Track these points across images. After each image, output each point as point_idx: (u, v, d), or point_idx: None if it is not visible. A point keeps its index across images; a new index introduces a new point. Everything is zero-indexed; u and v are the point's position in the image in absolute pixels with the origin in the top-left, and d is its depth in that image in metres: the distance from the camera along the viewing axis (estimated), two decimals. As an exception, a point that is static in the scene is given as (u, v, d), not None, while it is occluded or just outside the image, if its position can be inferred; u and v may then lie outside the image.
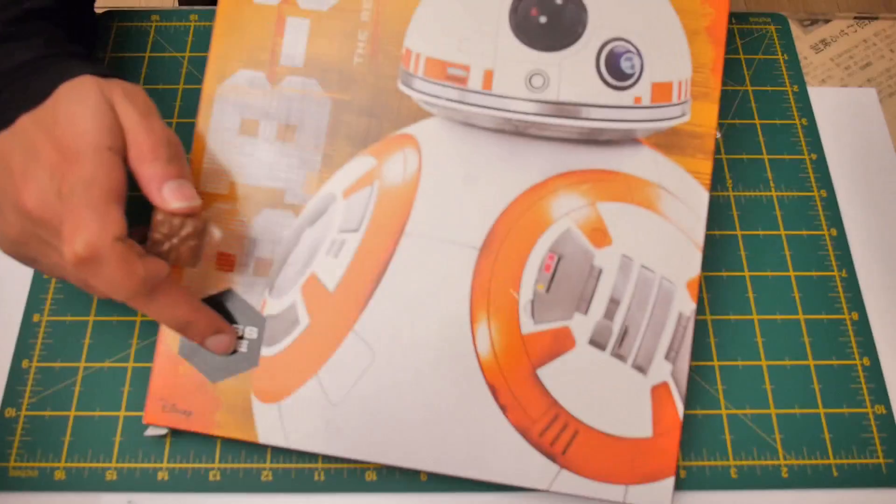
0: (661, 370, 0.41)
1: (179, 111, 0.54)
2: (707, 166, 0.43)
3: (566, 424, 0.41)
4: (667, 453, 0.41)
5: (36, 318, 0.47)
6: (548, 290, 0.42)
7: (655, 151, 0.43)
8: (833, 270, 0.49)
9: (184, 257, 0.38)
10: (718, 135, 0.50)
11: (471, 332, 0.41)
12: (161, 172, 0.37)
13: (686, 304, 0.42)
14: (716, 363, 0.46)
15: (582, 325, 0.41)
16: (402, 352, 0.41)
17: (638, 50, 0.43)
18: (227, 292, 0.43)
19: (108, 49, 0.55)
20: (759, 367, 0.46)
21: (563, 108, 0.43)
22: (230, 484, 0.43)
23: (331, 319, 0.42)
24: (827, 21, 0.57)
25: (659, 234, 0.42)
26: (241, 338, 0.42)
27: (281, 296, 0.42)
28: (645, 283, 0.42)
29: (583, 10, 0.43)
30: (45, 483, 0.42)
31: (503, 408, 0.41)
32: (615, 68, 0.43)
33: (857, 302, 0.48)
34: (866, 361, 0.47)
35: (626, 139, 0.43)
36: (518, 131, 0.43)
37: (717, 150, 0.51)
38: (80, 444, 0.44)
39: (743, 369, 0.46)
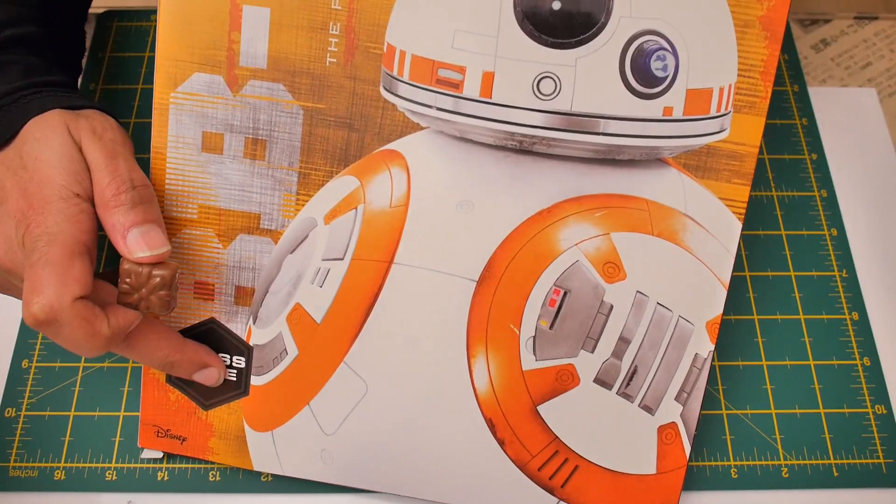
0: (669, 411, 0.39)
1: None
2: (744, 194, 0.37)
3: (566, 459, 0.40)
4: (670, 490, 0.40)
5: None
6: (551, 326, 0.38)
7: (684, 174, 0.37)
8: (833, 270, 0.49)
9: (154, 307, 0.35)
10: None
11: (467, 367, 0.39)
12: (123, 220, 0.34)
13: (704, 346, 0.38)
14: (716, 363, 0.46)
15: (587, 364, 0.38)
16: (396, 384, 0.40)
17: (673, 47, 0.35)
18: (210, 321, 0.40)
19: (108, 49, 0.54)
20: (760, 367, 0.46)
21: (576, 121, 0.36)
22: (230, 484, 0.43)
23: (320, 351, 0.39)
24: (827, 21, 0.57)
25: (681, 270, 0.37)
26: (229, 367, 0.41)
27: (266, 326, 0.40)
28: (660, 322, 0.38)
29: (607, -8, 0.34)
30: (44, 483, 0.43)
31: (501, 442, 0.40)
32: (643, 70, 0.35)
33: (857, 302, 0.48)
34: (866, 361, 0.46)
35: (650, 159, 0.37)
36: (522, 148, 0.37)
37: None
38: (79, 444, 0.44)
39: (743, 369, 0.46)
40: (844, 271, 0.49)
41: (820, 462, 0.44)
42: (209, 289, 0.40)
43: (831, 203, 0.51)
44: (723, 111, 0.36)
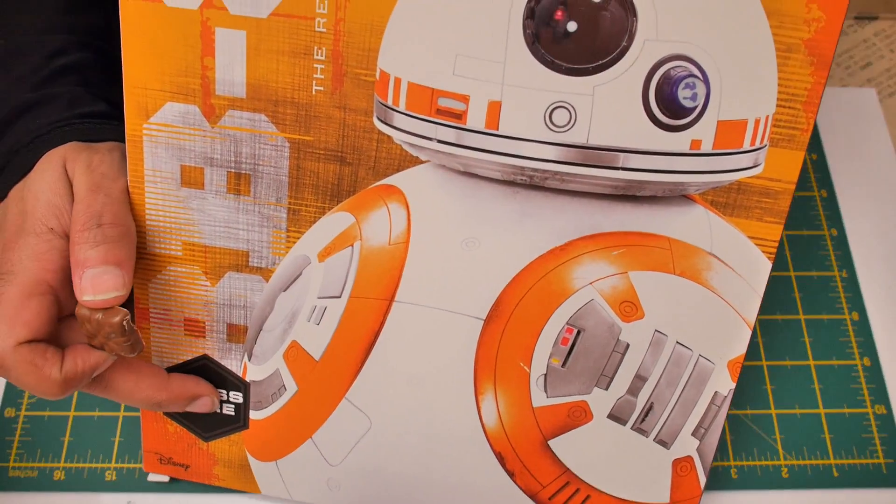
0: (686, 445, 0.37)
1: None
2: (776, 233, 0.33)
3: (578, 489, 0.39)
4: (683, 519, 0.39)
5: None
6: (564, 364, 0.36)
7: (710, 212, 0.33)
8: (833, 270, 0.49)
9: (118, 351, 0.33)
10: None
11: (475, 403, 0.37)
12: (81, 258, 0.32)
13: (724, 384, 0.36)
14: (716, 363, 0.45)
15: (601, 400, 0.37)
16: (401, 418, 0.38)
17: (704, 73, 0.31)
18: (203, 358, 0.38)
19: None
20: (760, 368, 0.46)
21: (593, 155, 0.32)
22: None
23: (320, 387, 0.38)
24: (827, 21, 0.55)
25: (703, 309, 0.35)
26: (226, 401, 0.39)
27: (262, 363, 0.38)
28: (679, 361, 0.36)
29: (630, 12, 0.30)
30: (44, 483, 0.43)
31: (511, 473, 0.39)
32: (670, 99, 0.31)
33: (857, 302, 0.48)
34: (866, 361, 0.46)
35: (674, 195, 0.33)
36: (533, 183, 0.33)
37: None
38: (79, 444, 0.44)
39: (743, 370, 0.44)
40: (844, 271, 0.49)
41: (820, 462, 0.44)
42: (199, 326, 0.37)
43: (831, 203, 0.51)
44: (758, 145, 0.32)
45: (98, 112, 0.38)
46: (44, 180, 0.33)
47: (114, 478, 0.43)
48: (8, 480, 0.43)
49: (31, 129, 0.37)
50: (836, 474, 0.44)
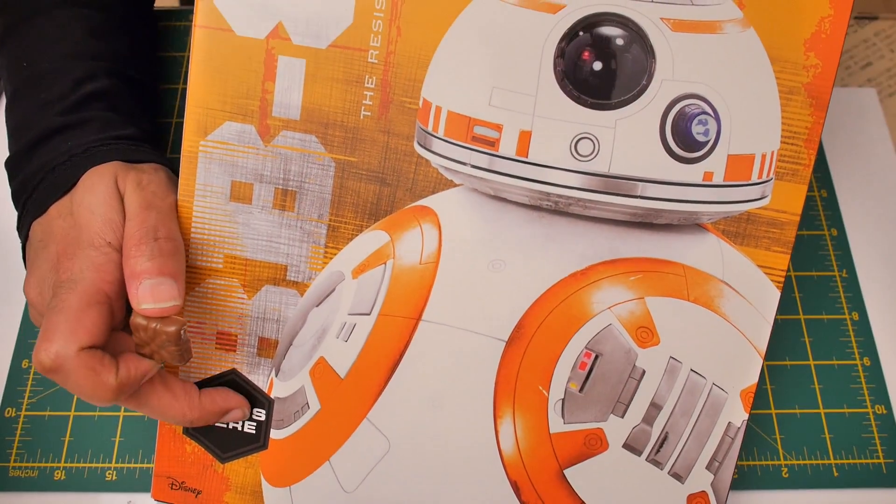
0: (700, 479, 0.38)
1: (179, 111, 0.52)
2: (783, 262, 0.36)
3: (592, 524, 0.39)
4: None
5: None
6: (581, 389, 0.37)
7: (722, 241, 0.36)
8: (833, 270, 0.49)
9: (168, 360, 0.35)
10: None
11: (493, 428, 0.38)
12: (138, 269, 0.33)
13: (737, 415, 0.37)
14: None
15: (617, 428, 0.37)
16: (420, 442, 0.39)
17: (715, 111, 0.34)
18: (231, 373, 0.39)
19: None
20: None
21: (614, 183, 0.35)
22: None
23: (343, 406, 0.38)
24: (827, 21, 0.56)
25: (716, 337, 0.36)
26: (248, 419, 0.40)
27: (288, 379, 0.39)
28: (693, 390, 0.37)
29: (650, 55, 0.34)
30: (44, 483, 0.43)
31: (525, 505, 0.39)
32: (684, 134, 0.34)
33: (857, 302, 0.48)
34: (866, 361, 0.46)
35: (688, 223, 0.36)
36: (558, 209, 0.36)
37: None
38: (79, 444, 0.44)
39: None
40: (844, 271, 0.49)
41: (820, 462, 0.44)
42: (232, 339, 0.39)
43: (831, 203, 0.50)
44: (764, 178, 0.35)
45: (131, 135, 0.40)
46: (96, 196, 0.35)
47: (114, 478, 0.43)
48: (8, 480, 0.43)
49: (63, 150, 0.38)
50: (836, 474, 0.44)
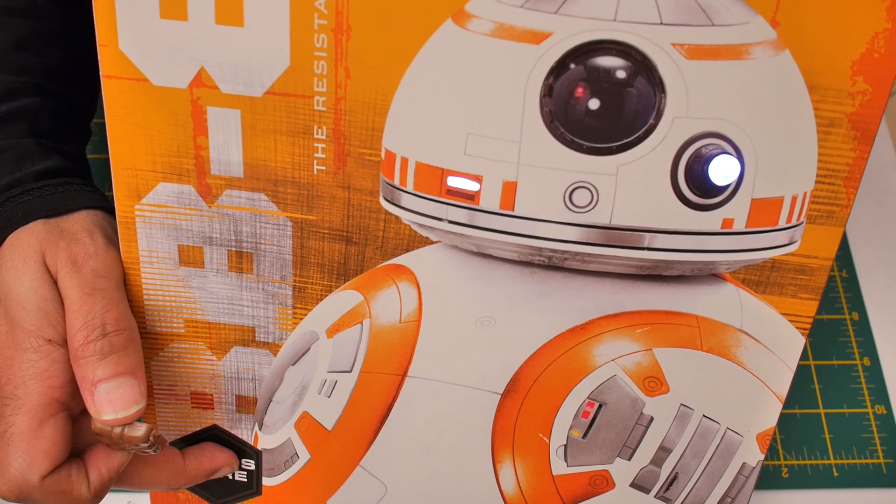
0: (712, 514, 0.36)
1: None
2: (811, 309, 0.31)
3: (600, 553, 0.38)
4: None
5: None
6: (584, 436, 0.35)
7: (741, 289, 0.31)
8: (833, 271, 0.48)
9: (139, 452, 0.32)
10: None
11: (493, 471, 0.36)
12: (91, 374, 0.30)
13: (753, 456, 0.35)
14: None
15: (624, 470, 0.35)
16: (416, 485, 0.37)
17: (738, 151, 0.28)
18: (213, 428, 0.37)
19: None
20: None
21: (617, 235, 0.30)
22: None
23: (334, 456, 0.37)
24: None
25: (732, 385, 0.33)
26: (238, 468, 0.38)
27: (273, 433, 0.37)
28: (705, 434, 0.34)
29: (658, 88, 0.27)
30: None
31: (531, 538, 0.38)
32: (700, 179, 0.29)
33: (857, 302, 0.48)
34: (866, 361, 0.46)
35: (702, 273, 0.31)
36: (552, 263, 0.31)
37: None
38: None
39: None
40: (844, 272, 0.48)
41: (820, 462, 0.44)
42: (207, 399, 0.36)
43: None
44: (794, 222, 0.29)
45: (52, 169, 0.33)
46: (23, 284, 0.30)
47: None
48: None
49: None
50: (836, 474, 0.43)
